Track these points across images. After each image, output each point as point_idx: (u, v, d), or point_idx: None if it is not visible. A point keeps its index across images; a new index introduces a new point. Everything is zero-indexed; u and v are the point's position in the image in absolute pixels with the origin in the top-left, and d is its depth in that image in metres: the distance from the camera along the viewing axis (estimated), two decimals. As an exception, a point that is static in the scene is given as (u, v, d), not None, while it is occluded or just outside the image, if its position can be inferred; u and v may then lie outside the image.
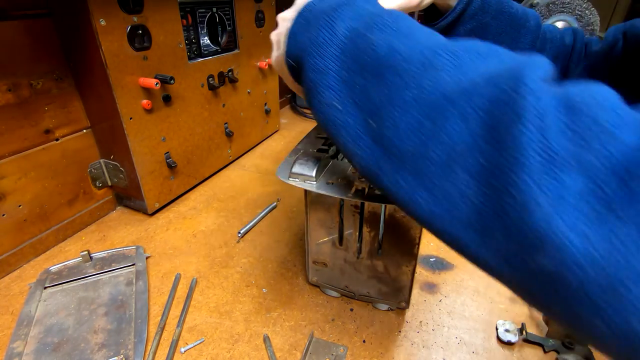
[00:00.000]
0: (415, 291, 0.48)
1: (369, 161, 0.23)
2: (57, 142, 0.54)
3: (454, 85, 0.20)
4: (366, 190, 0.33)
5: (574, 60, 0.48)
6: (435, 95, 0.20)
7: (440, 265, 0.53)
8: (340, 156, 0.46)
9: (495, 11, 0.44)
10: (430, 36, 0.24)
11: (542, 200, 0.15)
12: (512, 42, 0.45)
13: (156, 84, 0.54)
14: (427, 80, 0.21)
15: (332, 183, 0.34)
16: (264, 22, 0.82)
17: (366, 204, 0.38)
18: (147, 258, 0.53)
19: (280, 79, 0.97)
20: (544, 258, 0.15)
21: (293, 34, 0.30)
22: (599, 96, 0.16)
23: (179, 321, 0.43)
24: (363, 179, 0.34)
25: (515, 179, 0.16)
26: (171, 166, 0.63)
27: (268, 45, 0.85)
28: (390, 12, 0.26)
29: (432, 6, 0.45)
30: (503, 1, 0.44)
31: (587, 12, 1.17)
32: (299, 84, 0.33)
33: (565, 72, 0.48)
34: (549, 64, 0.18)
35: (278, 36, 0.35)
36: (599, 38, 0.48)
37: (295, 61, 0.31)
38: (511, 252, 0.17)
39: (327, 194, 0.33)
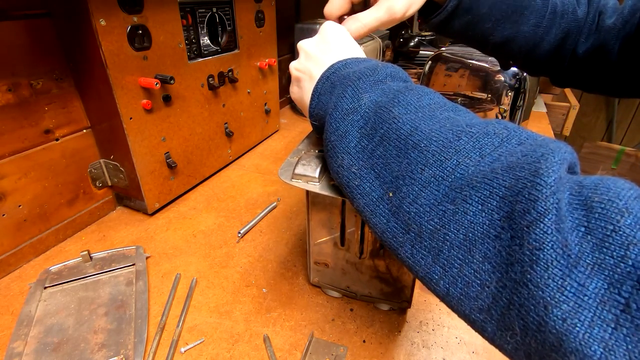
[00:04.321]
0: (416, 291, 0.48)
1: (386, 231, 0.23)
2: (57, 142, 0.54)
3: (475, 170, 0.20)
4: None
5: (583, 35, 0.43)
6: (455, 177, 0.20)
7: (440, 265, 0.53)
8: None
9: (491, 1, 0.41)
10: (452, 117, 0.24)
11: (561, 301, 0.15)
12: (513, 27, 0.42)
13: (156, 84, 0.54)
14: (448, 162, 0.21)
15: (335, 184, 0.34)
16: (264, 22, 0.82)
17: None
18: (147, 258, 0.53)
19: (280, 79, 0.97)
20: None
21: (317, 94, 0.31)
22: (613, 194, 0.15)
23: (179, 321, 0.43)
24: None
25: (535, 275, 0.16)
26: (171, 166, 0.63)
27: (268, 45, 0.85)
28: (413, 90, 0.26)
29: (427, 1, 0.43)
30: None
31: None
32: (321, 137, 0.33)
33: (574, 48, 0.43)
34: (568, 152, 0.18)
35: (299, 74, 0.36)
36: (617, 4, 0.42)
37: (318, 119, 0.32)
38: (530, 347, 0.16)
39: (331, 195, 0.33)
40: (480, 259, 0.18)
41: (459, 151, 0.21)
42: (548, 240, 0.16)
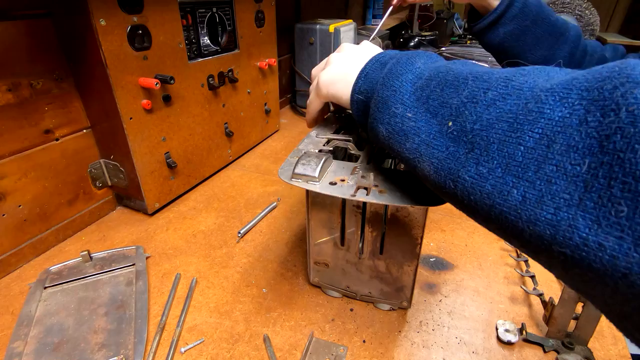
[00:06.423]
0: (416, 291, 0.48)
1: (445, 159, 0.23)
2: (57, 142, 0.54)
3: (546, 82, 0.19)
4: (369, 190, 0.33)
5: None
6: (523, 91, 0.20)
7: (440, 265, 0.53)
8: (341, 156, 0.46)
9: (535, 16, 0.45)
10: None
11: None
12: (550, 49, 0.46)
13: (156, 84, 0.54)
14: (514, 82, 0.21)
15: (335, 183, 0.34)
16: (264, 22, 0.82)
17: (368, 204, 0.38)
18: (147, 258, 0.53)
19: (280, 79, 0.97)
20: None
21: (365, 74, 0.33)
22: None
23: (179, 321, 0.43)
24: (365, 179, 0.34)
25: None
26: (171, 166, 0.63)
27: (268, 45, 0.85)
28: (467, 62, 0.28)
29: (471, 9, 0.47)
30: (544, 8, 0.45)
31: (587, 12, 1.17)
32: (359, 117, 0.35)
33: None
34: None
35: (334, 76, 0.38)
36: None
37: (365, 93, 0.33)
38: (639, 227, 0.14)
39: (331, 194, 0.33)
40: (563, 150, 0.17)
41: (526, 75, 0.21)
42: None
